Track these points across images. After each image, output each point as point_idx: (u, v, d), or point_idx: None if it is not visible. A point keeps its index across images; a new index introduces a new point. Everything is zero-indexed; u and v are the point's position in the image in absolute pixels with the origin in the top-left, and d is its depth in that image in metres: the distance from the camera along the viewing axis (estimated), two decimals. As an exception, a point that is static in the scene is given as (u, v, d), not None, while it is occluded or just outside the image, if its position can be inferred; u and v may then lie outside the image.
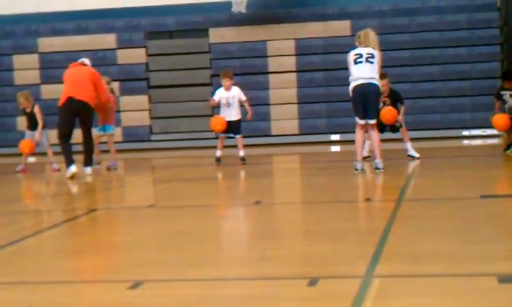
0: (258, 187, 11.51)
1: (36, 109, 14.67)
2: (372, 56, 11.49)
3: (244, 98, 14.28)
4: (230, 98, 14.19)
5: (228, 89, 14.21)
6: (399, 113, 13.43)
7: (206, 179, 12.72)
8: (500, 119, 13.58)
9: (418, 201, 9.21)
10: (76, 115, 13.05)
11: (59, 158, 13.85)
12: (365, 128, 11.82)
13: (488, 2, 19.09)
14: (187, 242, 7.07)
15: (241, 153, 14.24)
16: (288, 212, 9.03)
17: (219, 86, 14.50)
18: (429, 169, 12.56)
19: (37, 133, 14.64)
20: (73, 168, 12.68)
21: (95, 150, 14.28)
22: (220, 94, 14.29)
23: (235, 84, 14.45)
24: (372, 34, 11.71)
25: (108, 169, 14.25)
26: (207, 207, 9.49)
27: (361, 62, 11.48)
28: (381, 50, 11.80)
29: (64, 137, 12.93)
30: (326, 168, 13.85)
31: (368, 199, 9.50)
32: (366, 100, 11.55)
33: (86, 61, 13.68)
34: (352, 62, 11.57)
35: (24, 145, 14.64)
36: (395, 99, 13.51)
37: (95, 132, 14.47)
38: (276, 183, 12.67)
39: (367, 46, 11.61)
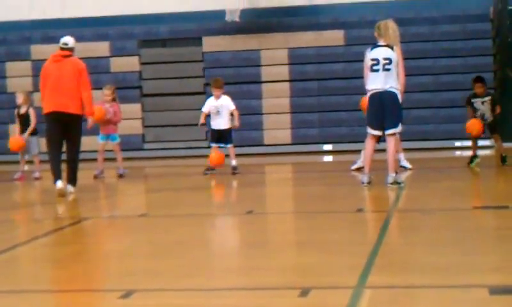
0: (250, 196, 11.50)
1: (31, 112, 14.65)
2: (390, 61, 10.97)
3: (232, 107, 14.28)
4: (219, 107, 14.23)
5: (218, 98, 14.25)
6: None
7: (198, 188, 12.71)
8: (473, 124, 13.54)
9: (410, 211, 9.22)
10: (63, 125, 11.53)
11: (44, 167, 13.88)
12: (377, 139, 11.39)
13: (481, 13, 19.14)
14: (179, 252, 7.06)
15: (233, 162, 14.24)
16: (281, 222, 9.02)
17: (212, 95, 14.51)
18: (421, 180, 12.58)
19: (26, 133, 14.60)
20: (58, 184, 11.44)
21: (99, 158, 14.36)
22: (210, 104, 14.33)
23: (226, 93, 14.48)
24: (392, 27, 11.15)
25: (120, 176, 14.34)
26: (199, 216, 9.48)
27: (377, 70, 10.98)
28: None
29: (53, 150, 11.58)
30: (319, 178, 13.86)
31: (360, 210, 9.50)
32: (383, 109, 11.02)
33: (69, 42, 11.87)
34: (369, 68, 11.09)
35: (14, 142, 14.56)
36: None
37: (98, 141, 14.46)
38: (269, 192, 12.66)
39: (386, 41, 11.09)
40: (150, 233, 8.43)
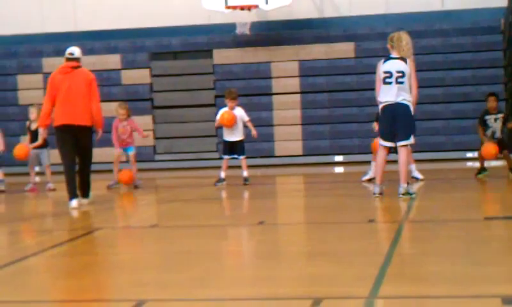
0: (261, 207, 11.50)
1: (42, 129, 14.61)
2: (403, 75, 10.91)
3: (246, 118, 14.31)
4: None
5: (232, 109, 14.25)
6: None
7: (209, 199, 12.71)
8: (488, 149, 13.46)
9: (422, 222, 9.20)
10: (75, 137, 11.43)
11: (56, 178, 13.90)
12: (389, 150, 11.30)
13: (491, 25, 19.12)
14: (191, 262, 7.06)
15: (245, 173, 14.24)
16: (292, 233, 9.02)
17: (223, 106, 14.53)
18: (433, 191, 12.55)
19: (32, 145, 14.59)
20: (73, 203, 11.34)
21: (114, 169, 14.37)
22: None
23: (238, 105, 14.49)
24: (405, 39, 11.05)
25: (136, 187, 14.35)
26: (211, 227, 9.48)
27: (390, 83, 10.93)
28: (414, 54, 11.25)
29: (68, 166, 11.43)
30: (330, 189, 13.85)
31: (371, 220, 9.48)
32: (395, 121, 10.98)
33: (76, 51, 11.59)
34: (382, 81, 11.01)
35: (20, 150, 14.49)
36: None
37: (114, 151, 14.48)
38: (280, 203, 12.66)
39: (399, 53, 11.02)
40: (161, 243, 8.44)
